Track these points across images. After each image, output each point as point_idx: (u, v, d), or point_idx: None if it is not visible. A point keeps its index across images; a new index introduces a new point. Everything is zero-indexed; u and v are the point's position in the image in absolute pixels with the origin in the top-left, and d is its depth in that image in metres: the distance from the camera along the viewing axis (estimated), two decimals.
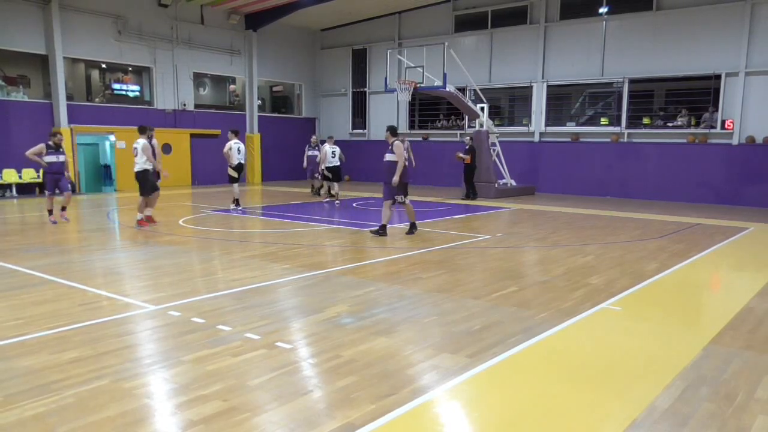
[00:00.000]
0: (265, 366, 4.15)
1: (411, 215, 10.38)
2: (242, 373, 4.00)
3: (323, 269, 7.40)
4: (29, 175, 17.28)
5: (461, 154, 16.70)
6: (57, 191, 11.34)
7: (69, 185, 11.62)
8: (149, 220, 11.16)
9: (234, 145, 13.66)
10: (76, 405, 3.49)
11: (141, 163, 10.99)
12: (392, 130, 10.20)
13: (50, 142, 11.23)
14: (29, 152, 11.04)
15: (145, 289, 6.40)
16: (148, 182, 11.01)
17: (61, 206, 11.57)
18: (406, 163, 9.99)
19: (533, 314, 5.51)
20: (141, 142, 11.03)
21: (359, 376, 3.96)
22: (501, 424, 3.36)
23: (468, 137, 17.16)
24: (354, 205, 15.23)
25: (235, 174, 13.80)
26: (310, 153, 17.05)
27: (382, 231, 10.04)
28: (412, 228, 10.36)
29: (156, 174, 11.30)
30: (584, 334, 5.06)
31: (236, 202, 13.75)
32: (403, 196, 10.07)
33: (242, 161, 13.91)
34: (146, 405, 3.55)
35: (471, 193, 16.70)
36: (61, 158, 11.31)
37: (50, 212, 11.40)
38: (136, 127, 11.80)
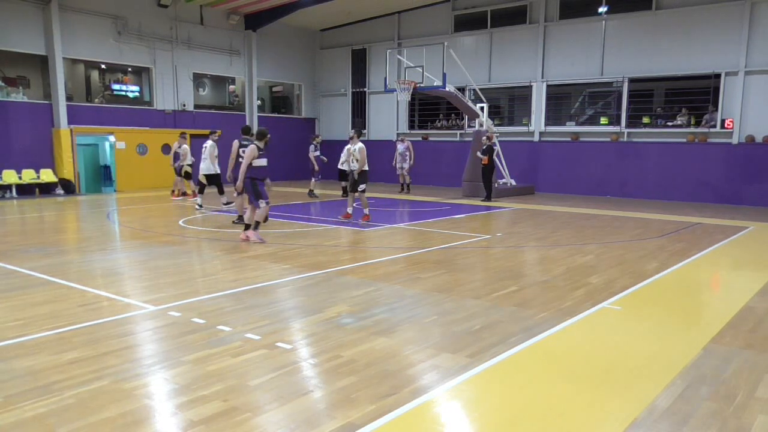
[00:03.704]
0: (265, 366, 4.15)
1: (249, 218, 9.66)
2: (242, 374, 4.00)
3: (323, 269, 7.40)
4: (29, 176, 17.28)
5: (479, 154, 16.61)
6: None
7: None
8: (347, 217, 11.74)
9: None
10: (76, 406, 3.49)
11: (357, 165, 11.53)
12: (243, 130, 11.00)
13: (259, 143, 9.31)
14: (247, 160, 9.13)
15: (145, 289, 6.40)
16: (357, 182, 11.56)
17: (253, 222, 9.40)
18: (240, 160, 9.88)
19: (533, 314, 5.50)
20: (358, 145, 11.55)
21: (359, 376, 3.96)
22: (501, 424, 3.36)
23: (485, 137, 16.78)
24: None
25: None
26: (315, 154, 17.11)
27: (254, 226, 9.57)
28: (247, 226, 9.54)
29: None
30: (584, 334, 5.06)
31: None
32: (253, 198, 9.48)
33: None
34: (146, 405, 3.55)
35: (488, 194, 16.50)
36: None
37: (257, 225, 9.40)
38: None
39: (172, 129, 20.19)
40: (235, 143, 10.75)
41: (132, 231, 10.62)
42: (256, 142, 9.35)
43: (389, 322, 5.20)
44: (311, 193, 17.24)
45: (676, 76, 17.55)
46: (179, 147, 16.01)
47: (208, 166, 13.30)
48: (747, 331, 5.07)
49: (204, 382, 3.84)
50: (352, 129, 12.02)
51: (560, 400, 3.64)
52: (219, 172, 13.40)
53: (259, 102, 23.96)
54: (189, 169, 16.02)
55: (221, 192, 13.64)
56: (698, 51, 16.96)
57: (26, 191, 17.19)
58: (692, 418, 3.41)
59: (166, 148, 19.39)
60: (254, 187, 9.20)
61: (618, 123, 18.54)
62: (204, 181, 13.57)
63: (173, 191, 16.54)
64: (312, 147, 17.21)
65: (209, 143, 13.37)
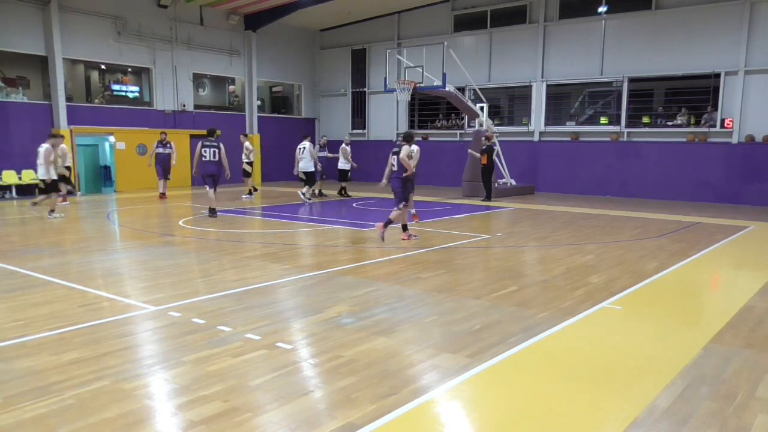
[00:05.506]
0: (265, 366, 4.15)
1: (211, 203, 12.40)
2: (243, 374, 4.00)
3: (323, 269, 7.40)
4: (29, 176, 17.26)
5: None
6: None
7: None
8: (416, 216, 11.83)
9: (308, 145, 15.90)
10: (76, 406, 3.50)
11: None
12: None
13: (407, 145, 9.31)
14: (410, 161, 9.17)
15: (145, 290, 6.40)
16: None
17: (404, 223, 9.62)
18: (202, 159, 12.20)
19: (533, 314, 5.51)
20: (409, 148, 10.87)
21: (360, 377, 3.96)
22: (501, 424, 3.36)
23: (484, 137, 16.76)
24: (354, 205, 15.23)
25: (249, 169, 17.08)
26: (320, 154, 17.21)
27: (212, 213, 12.21)
28: (211, 212, 12.23)
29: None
30: (584, 334, 5.06)
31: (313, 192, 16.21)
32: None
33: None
34: (147, 406, 3.55)
35: (488, 194, 16.51)
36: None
37: (405, 228, 9.60)
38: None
39: (172, 129, 20.20)
40: (199, 144, 12.16)
41: (132, 231, 10.62)
42: (403, 143, 9.34)
43: (389, 322, 5.20)
44: (319, 193, 17.32)
45: (676, 76, 17.55)
46: (57, 147, 14.13)
47: (306, 164, 15.47)
48: (747, 331, 5.07)
49: (204, 383, 3.84)
50: (401, 132, 12.34)
51: (560, 400, 3.64)
52: (316, 169, 15.87)
53: (259, 102, 23.95)
54: (65, 172, 14.49)
55: (311, 185, 15.68)
56: (698, 51, 16.96)
57: (26, 191, 17.18)
58: (692, 418, 3.41)
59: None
60: (404, 189, 9.35)
61: (618, 123, 18.54)
62: (303, 177, 15.63)
63: (162, 193, 16.43)
64: (318, 148, 17.46)
65: (307, 144, 15.50)
